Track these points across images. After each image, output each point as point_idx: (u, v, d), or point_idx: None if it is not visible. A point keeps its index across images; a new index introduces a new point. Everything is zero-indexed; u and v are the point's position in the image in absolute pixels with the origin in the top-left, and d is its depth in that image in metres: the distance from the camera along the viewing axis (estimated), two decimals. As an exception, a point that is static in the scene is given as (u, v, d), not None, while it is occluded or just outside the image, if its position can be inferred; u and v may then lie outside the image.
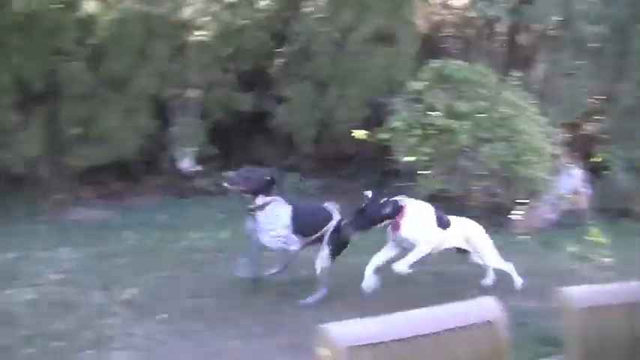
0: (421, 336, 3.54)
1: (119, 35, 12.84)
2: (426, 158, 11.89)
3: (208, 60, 13.51)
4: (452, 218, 8.42)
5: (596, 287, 4.63)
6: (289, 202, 8.32)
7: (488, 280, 8.64)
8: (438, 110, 11.95)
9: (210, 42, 13.53)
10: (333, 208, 8.44)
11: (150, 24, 13.10)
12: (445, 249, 8.44)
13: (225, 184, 8.36)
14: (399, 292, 8.31)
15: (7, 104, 12.28)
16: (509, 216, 11.86)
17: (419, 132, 11.95)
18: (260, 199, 8.06)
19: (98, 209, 12.71)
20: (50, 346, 6.96)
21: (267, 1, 14.20)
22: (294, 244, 8.14)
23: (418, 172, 11.93)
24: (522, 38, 15.34)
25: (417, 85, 12.35)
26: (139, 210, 12.80)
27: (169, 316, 7.59)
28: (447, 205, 11.90)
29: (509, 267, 8.65)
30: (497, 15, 14.31)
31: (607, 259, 9.78)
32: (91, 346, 6.94)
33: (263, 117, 13.65)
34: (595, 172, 13.43)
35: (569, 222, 12.00)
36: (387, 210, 7.93)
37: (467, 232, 8.52)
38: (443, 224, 8.23)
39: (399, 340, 3.45)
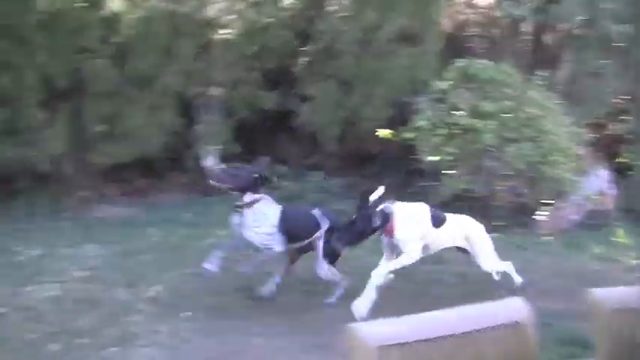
0: (450, 336, 3.52)
1: (144, 33, 12.85)
2: (451, 158, 11.86)
3: (233, 58, 13.51)
4: (449, 216, 8.20)
5: (625, 289, 4.59)
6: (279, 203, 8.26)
7: (516, 281, 8.38)
8: (462, 110, 11.91)
9: (235, 40, 13.52)
10: (321, 215, 8.26)
11: (175, 22, 13.11)
12: (444, 248, 8.29)
13: (212, 182, 8.32)
14: (423, 292, 8.32)
15: (32, 102, 12.33)
16: (534, 216, 11.80)
17: (443, 131, 11.92)
18: (248, 197, 7.98)
19: (122, 207, 12.73)
20: (75, 342, 7.01)
21: (292, 0, 14.18)
22: (279, 244, 8.02)
23: (443, 171, 11.89)
24: (547, 38, 15.25)
25: (441, 85, 12.32)
26: (163, 207, 12.81)
27: (194, 314, 7.61)
28: (471, 204, 11.93)
29: (507, 267, 8.43)
30: (522, 14, 14.25)
31: (633, 261, 9.72)
32: (116, 343, 6.99)
33: (287, 115, 13.63)
34: (620, 172, 13.34)
35: (595, 223, 11.94)
36: (377, 222, 7.68)
37: (466, 230, 8.25)
38: (438, 222, 7.98)
39: (427, 340, 3.43)
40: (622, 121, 14.71)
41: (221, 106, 13.68)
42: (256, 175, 8.04)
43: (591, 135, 13.04)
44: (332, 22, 13.47)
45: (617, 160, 13.86)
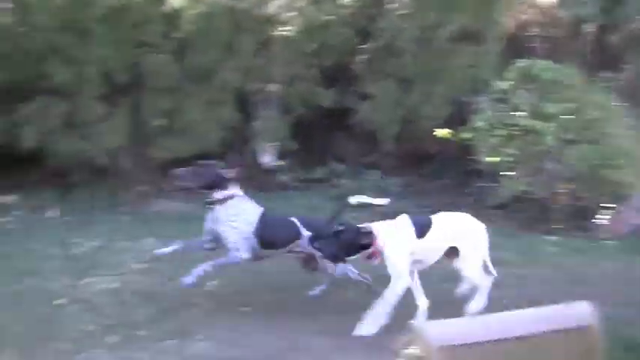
0: (514, 338, 3.47)
1: (205, 29, 12.88)
2: (510, 159, 11.75)
3: (292, 55, 13.49)
4: (439, 216, 7.61)
5: None
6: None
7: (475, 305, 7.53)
8: (523, 110, 11.80)
9: (295, 37, 13.49)
10: (298, 223, 7.93)
11: (235, 18, 13.13)
12: (447, 252, 7.55)
13: (177, 183, 8.20)
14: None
15: (92, 96, 12.43)
16: (594, 220, 11.65)
17: (503, 132, 11.81)
18: (219, 194, 7.75)
19: (179, 201, 12.74)
20: (132, 334, 7.04)
21: (352, -2, 14.16)
22: (246, 251, 7.72)
23: (501, 173, 11.79)
24: (611, 39, 15.05)
25: (502, 85, 12.22)
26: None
27: (252, 309, 7.61)
28: (529, 207, 11.83)
29: (485, 282, 7.68)
30: (586, 15, 14.10)
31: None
32: (173, 336, 7.01)
33: (345, 113, 13.58)
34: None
35: (656, 228, 11.77)
36: (364, 240, 7.24)
37: (459, 229, 7.58)
38: (422, 232, 7.35)
39: (491, 341, 3.39)
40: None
41: (279, 102, 13.69)
42: (222, 172, 7.82)
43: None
44: (392, 20, 13.40)
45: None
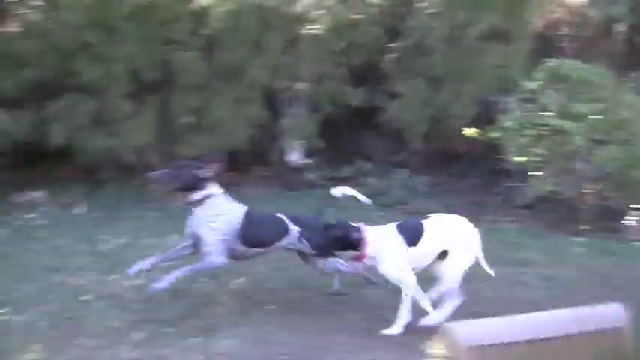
0: (545, 339, 3.44)
1: (233, 27, 12.90)
2: (538, 159, 11.67)
3: (320, 53, 13.48)
4: (430, 220, 7.42)
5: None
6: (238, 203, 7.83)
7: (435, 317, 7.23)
8: (552, 111, 11.72)
9: (323, 35, 13.48)
10: (286, 219, 7.83)
11: (263, 16, 13.15)
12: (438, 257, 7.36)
13: (153, 185, 8.09)
14: (506, 295, 8.19)
15: (120, 93, 12.48)
16: (623, 221, 11.54)
17: (531, 132, 11.74)
18: (197, 194, 7.56)
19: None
20: (158, 331, 7.06)
21: (381, -4, 14.13)
22: (221, 254, 7.53)
23: (529, 173, 11.73)
24: (641, 38, 14.97)
25: (531, 85, 12.14)
26: (246, 200, 12.79)
27: (277, 307, 7.60)
28: (556, 207, 11.75)
29: (449, 307, 7.31)
30: (616, 14, 13.99)
31: None
32: (199, 334, 7.03)
33: (373, 112, 13.55)
34: None
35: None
36: (354, 237, 7.11)
37: (451, 232, 7.38)
38: (413, 239, 7.19)
39: (522, 342, 3.35)
40: None
41: (307, 100, 13.68)
42: (199, 173, 7.61)
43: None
44: (422, 19, 13.36)
45: None
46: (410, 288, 7.09)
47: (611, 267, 9.48)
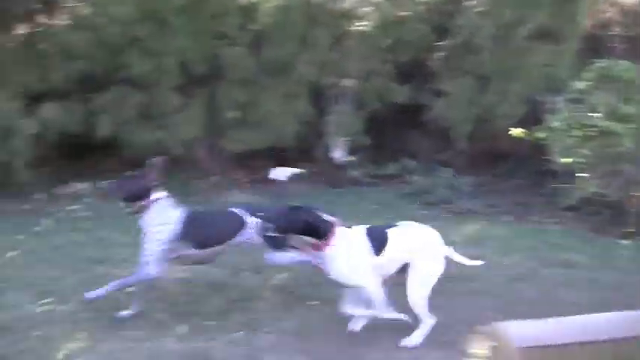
0: (598, 341, 3.40)
1: (281, 22, 12.95)
2: (585, 160, 11.57)
3: (367, 50, 13.48)
4: (396, 229, 7.04)
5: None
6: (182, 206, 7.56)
7: (412, 339, 6.89)
8: (600, 111, 11.61)
9: (371, 32, 13.49)
10: (243, 212, 7.58)
11: (311, 12, 13.19)
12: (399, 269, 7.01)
13: (109, 194, 8.01)
14: (551, 297, 8.13)
15: (168, 87, 12.57)
16: (671, 226, 11.44)
17: (579, 133, 11.63)
18: (141, 203, 7.37)
19: (250, 193, 12.82)
20: (202, 325, 7.10)
21: (429, -6, 14.09)
22: (155, 265, 7.28)
23: (575, 174, 11.63)
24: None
25: (579, 85, 12.03)
26: (290, 197, 12.83)
27: (321, 303, 7.59)
28: (603, 209, 11.64)
29: (427, 323, 6.94)
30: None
31: None
32: (242, 328, 7.06)
33: (419, 110, 13.50)
34: None
35: None
36: (321, 225, 6.78)
37: (413, 242, 7.00)
38: (378, 247, 6.85)
39: (573, 344, 3.32)
40: None
41: (353, 97, 13.68)
42: (148, 183, 7.42)
43: None
44: (470, 17, 13.29)
45: None
46: (372, 291, 6.82)
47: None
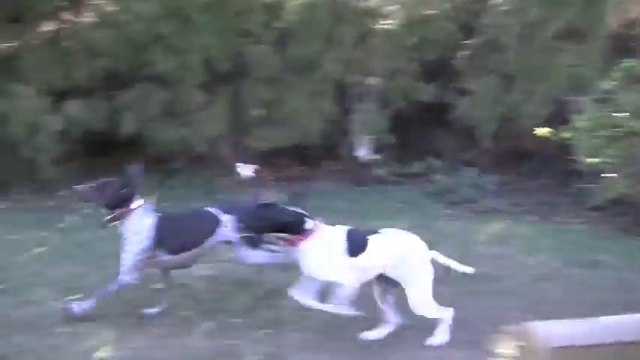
0: (630, 342, 3.36)
1: (307, 20, 12.94)
2: (611, 161, 11.51)
3: (393, 48, 13.45)
4: (377, 236, 6.89)
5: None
6: (156, 211, 7.41)
7: (437, 338, 6.84)
8: (627, 111, 11.54)
9: (396, 31, 13.46)
10: (218, 211, 7.46)
11: (337, 10, 13.17)
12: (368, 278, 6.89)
13: (78, 200, 7.85)
14: (579, 297, 8.09)
15: (193, 84, 12.58)
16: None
17: (605, 133, 11.57)
18: (119, 211, 7.26)
19: (275, 191, 12.83)
20: (229, 322, 7.10)
21: (455, -8, 14.04)
22: (130, 273, 7.22)
23: (601, 174, 11.56)
24: None
25: (605, 85, 11.96)
26: (315, 194, 12.82)
27: (349, 301, 7.56)
28: (629, 209, 11.58)
29: (446, 314, 6.86)
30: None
31: None
32: (269, 326, 7.06)
33: (444, 108, 13.46)
34: None
35: None
36: (286, 219, 6.72)
37: (396, 251, 6.80)
38: (355, 250, 6.73)
39: (607, 345, 3.29)
40: None
41: (378, 95, 13.65)
42: (125, 190, 7.30)
43: None
44: (495, 16, 13.23)
45: None
46: (345, 289, 6.73)
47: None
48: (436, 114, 13.58)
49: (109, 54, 12.43)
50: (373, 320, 6.92)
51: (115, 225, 7.36)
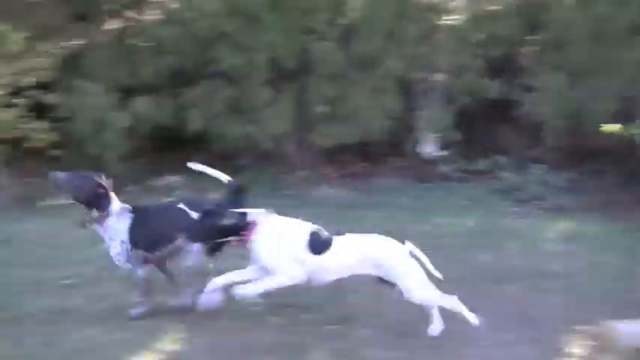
0: None
1: (370, 16, 12.95)
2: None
3: (457, 44, 13.41)
4: (347, 237, 6.81)
5: None
6: (131, 210, 7.20)
7: (435, 327, 6.83)
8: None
9: (461, 26, 13.42)
10: (186, 208, 7.18)
11: (400, 6, 13.13)
12: (339, 278, 6.81)
13: (53, 187, 7.54)
14: (623, 296, 7.95)
15: (259, 81, 12.64)
16: None
17: (674, 130, 11.42)
18: (98, 213, 7.07)
19: (339, 188, 12.86)
20: (298, 317, 7.13)
21: (521, -12, 13.91)
22: (135, 264, 7.15)
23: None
24: None
25: (676, 80, 11.83)
26: (379, 191, 12.83)
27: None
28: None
29: (452, 302, 6.76)
30: None
31: None
32: (337, 322, 7.07)
33: (509, 105, 13.35)
34: None
35: None
36: (229, 223, 6.68)
37: (373, 255, 6.69)
38: (318, 248, 6.67)
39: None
40: None
41: (442, 92, 13.59)
42: (101, 191, 7.07)
43: None
44: (562, 11, 13.09)
45: None
46: (274, 283, 6.67)
47: None
48: (501, 110, 13.48)
49: (174, 51, 12.57)
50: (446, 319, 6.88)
51: (93, 227, 7.22)
